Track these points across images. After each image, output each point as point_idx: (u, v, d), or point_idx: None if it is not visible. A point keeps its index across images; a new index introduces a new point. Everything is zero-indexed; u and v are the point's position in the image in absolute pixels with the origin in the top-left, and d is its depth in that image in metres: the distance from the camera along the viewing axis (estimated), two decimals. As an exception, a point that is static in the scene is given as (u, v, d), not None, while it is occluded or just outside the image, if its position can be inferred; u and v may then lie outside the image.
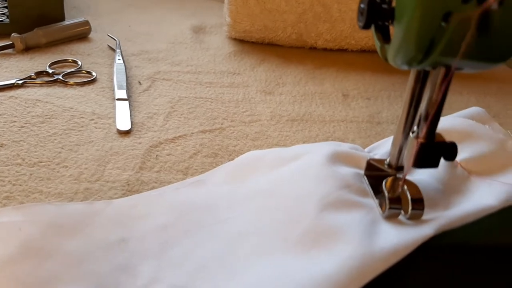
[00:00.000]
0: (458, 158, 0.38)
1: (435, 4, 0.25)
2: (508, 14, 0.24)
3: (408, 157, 0.31)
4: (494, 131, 0.41)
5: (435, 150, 0.31)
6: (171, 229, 0.39)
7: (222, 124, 0.62)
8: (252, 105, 0.68)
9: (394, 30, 0.28)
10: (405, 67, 0.30)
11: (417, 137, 0.31)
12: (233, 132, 0.61)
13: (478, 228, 0.32)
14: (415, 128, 0.32)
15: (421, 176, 0.35)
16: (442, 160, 0.37)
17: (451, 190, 0.35)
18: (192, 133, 0.59)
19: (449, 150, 0.31)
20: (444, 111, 0.73)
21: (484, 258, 0.31)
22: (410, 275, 0.31)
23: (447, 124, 0.40)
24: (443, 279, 0.31)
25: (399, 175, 0.34)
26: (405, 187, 0.32)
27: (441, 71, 0.28)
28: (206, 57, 0.83)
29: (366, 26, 0.29)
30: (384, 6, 0.29)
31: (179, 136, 0.58)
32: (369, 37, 0.89)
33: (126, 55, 0.79)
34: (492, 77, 0.88)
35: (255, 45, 0.90)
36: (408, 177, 0.35)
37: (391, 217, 0.32)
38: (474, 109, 0.43)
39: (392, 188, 0.33)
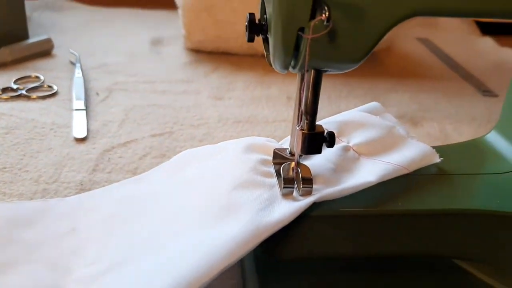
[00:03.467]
0: (352, 143, 0.45)
1: (290, 22, 0.32)
2: (344, 27, 0.31)
3: (297, 145, 0.38)
4: (388, 120, 0.48)
5: (317, 139, 0.37)
6: (115, 218, 0.45)
7: (172, 128, 0.69)
8: (202, 110, 0.75)
9: (269, 41, 0.35)
10: (284, 71, 0.37)
11: (301, 129, 0.38)
12: (181, 135, 0.67)
13: (356, 199, 0.39)
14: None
15: (318, 160, 0.42)
16: (338, 146, 0.45)
17: (342, 169, 0.42)
18: (143, 137, 0.66)
19: (329, 139, 0.38)
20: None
21: (357, 224, 0.38)
22: (296, 238, 0.38)
23: (346, 117, 0.48)
24: (323, 241, 0.39)
25: (300, 160, 0.41)
26: (299, 169, 0.39)
27: (312, 73, 0.35)
28: (162, 67, 0.90)
29: (250, 40, 0.36)
30: (263, 22, 0.36)
31: (131, 141, 0.64)
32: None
33: (87, 69, 0.85)
34: (428, 76, 0.96)
35: (210, 54, 0.96)
36: (306, 161, 0.42)
37: (286, 194, 0.39)
38: (372, 104, 0.50)
39: (287, 170, 0.40)
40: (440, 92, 0.87)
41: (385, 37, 1.05)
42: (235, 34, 0.94)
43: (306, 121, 0.37)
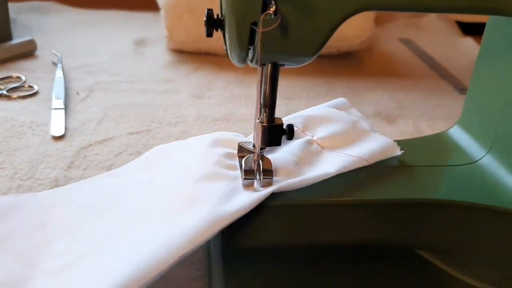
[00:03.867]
0: (316, 136, 0.46)
1: (243, 16, 0.33)
2: (295, 21, 0.32)
3: (257, 138, 0.39)
4: (353, 115, 0.49)
5: (275, 131, 0.39)
6: (85, 212, 0.46)
7: (149, 126, 0.70)
8: (181, 109, 0.76)
9: (225, 36, 0.36)
10: (241, 65, 0.38)
11: (261, 122, 0.39)
12: (159, 133, 0.68)
13: (315, 190, 0.40)
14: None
15: (282, 153, 0.43)
16: (302, 139, 0.46)
17: (304, 161, 0.43)
18: (121, 135, 0.66)
19: (288, 131, 0.39)
20: (359, 105, 0.81)
21: (314, 214, 0.39)
22: (256, 228, 0.39)
23: (313, 112, 0.49)
24: (282, 231, 0.40)
25: (265, 153, 0.42)
26: (260, 161, 0.40)
27: (269, 67, 0.36)
28: (145, 68, 0.91)
29: (208, 35, 0.37)
30: (222, 18, 0.37)
31: (108, 138, 0.65)
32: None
33: (69, 69, 0.86)
34: (407, 75, 0.97)
35: (192, 54, 0.97)
36: (270, 154, 0.43)
37: (248, 186, 0.40)
38: (339, 100, 0.51)
39: (249, 163, 0.41)
40: (418, 91, 0.88)
41: (367, 37, 1.06)
42: (216, 34, 0.95)
43: (265, 114, 0.38)
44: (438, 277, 0.44)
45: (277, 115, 0.47)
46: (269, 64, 0.36)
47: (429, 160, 0.45)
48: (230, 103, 0.79)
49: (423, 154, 0.46)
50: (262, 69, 0.38)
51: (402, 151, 0.45)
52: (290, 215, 0.39)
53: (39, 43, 0.93)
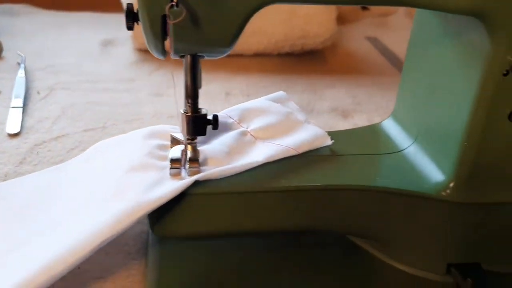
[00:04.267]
0: (250, 128, 0.47)
1: (153, 8, 0.34)
2: (204, 13, 0.34)
3: (183, 128, 0.41)
4: (289, 107, 0.50)
5: (200, 122, 0.40)
6: (26, 205, 0.48)
7: (105, 123, 0.71)
8: (139, 106, 0.77)
9: (141, 29, 0.38)
10: (161, 56, 0.39)
11: (185, 112, 0.40)
12: (114, 130, 0.69)
13: (243, 178, 0.41)
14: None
15: (214, 144, 0.45)
16: (237, 131, 0.47)
17: (236, 151, 0.44)
18: (76, 132, 0.68)
19: (213, 121, 0.40)
20: (317, 101, 0.82)
21: (238, 200, 0.41)
22: (181, 215, 0.40)
23: (250, 105, 0.50)
24: (206, 218, 0.41)
25: (198, 144, 0.43)
26: (188, 151, 0.42)
27: (188, 58, 0.38)
28: (109, 67, 0.92)
29: (129, 28, 0.39)
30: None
31: (62, 135, 0.66)
32: (260, 43, 0.98)
33: (33, 69, 0.87)
34: (368, 72, 0.99)
35: (158, 54, 0.98)
36: (204, 145, 0.45)
37: (175, 175, 0.41)
38: (278, 93, 0.53)
39: (176, 153, 0.42)
40: (376, 87, 0.90)
41: (330, 36, 1.07)
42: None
43: (188, 105, 0.40)
44: (367, 261, 0.46)
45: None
46: (188, 56, 0.38)
47: (358, 149, 0.47)
48: (190, 100, 0.80)
49: (353, 144, 0.48)
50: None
51: (333, 141, 0.47)
52: (214, 203, 0.41)
53: (7, 45, 0.95)
